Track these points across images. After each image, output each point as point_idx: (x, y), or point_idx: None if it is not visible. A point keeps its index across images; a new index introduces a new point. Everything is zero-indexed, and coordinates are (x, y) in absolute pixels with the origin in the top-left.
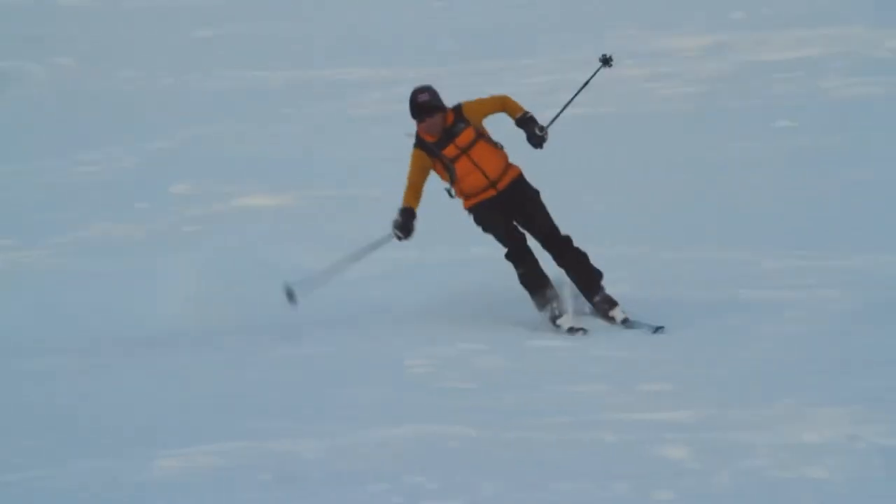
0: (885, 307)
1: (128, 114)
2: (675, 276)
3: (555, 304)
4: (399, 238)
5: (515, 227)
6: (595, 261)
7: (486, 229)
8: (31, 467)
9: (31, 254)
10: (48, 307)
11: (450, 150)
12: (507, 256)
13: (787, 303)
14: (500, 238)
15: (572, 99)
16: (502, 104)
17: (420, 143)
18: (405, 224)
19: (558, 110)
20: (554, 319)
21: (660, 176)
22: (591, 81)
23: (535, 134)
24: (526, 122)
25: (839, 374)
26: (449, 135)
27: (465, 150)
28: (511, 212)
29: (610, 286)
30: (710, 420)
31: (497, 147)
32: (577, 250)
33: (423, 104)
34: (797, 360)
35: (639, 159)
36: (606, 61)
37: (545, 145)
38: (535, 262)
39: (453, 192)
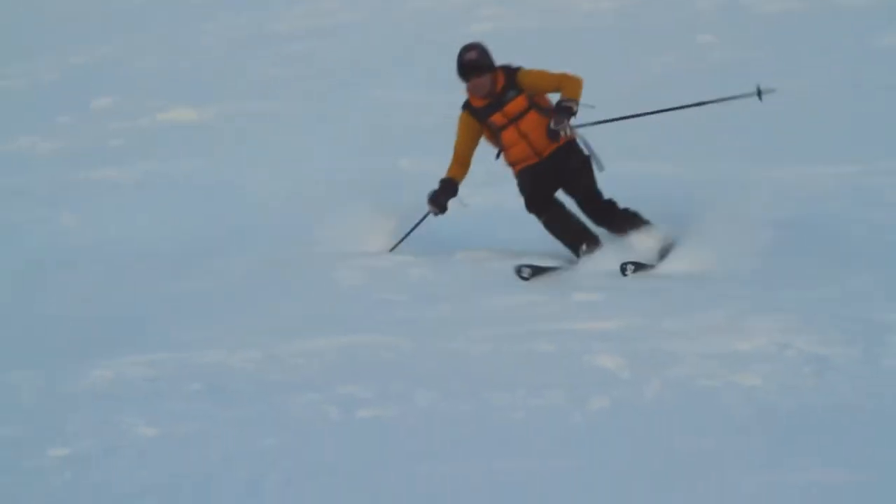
0: (813, 219)
1: (49, 28)
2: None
3: (586, 245)
4: (434, 213)
5: (545, 183)
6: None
7: (521, 192)
8: None
9: None
10: None
11: (497, 118)
12: (527, 207)
13: (716, 216)
14: (523, 190)
15: (684, 107)
16: (558, 84)
17: (467, 107)
18: (438, 199)
19: (647, 111)
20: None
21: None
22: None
23: (550, 128)
24: (559, 110)
25: (770, 284)
26: (499, 101)
27: (513, 120)
28: (554, 177)
29: None
30: (641, 330)
31: (550, 116)
32: (625, 211)
33: (470, 62)
34: (727, 272)
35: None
36: (759, 94)
37: (562, 137)
38: (560, 206)
39: (501, 157)
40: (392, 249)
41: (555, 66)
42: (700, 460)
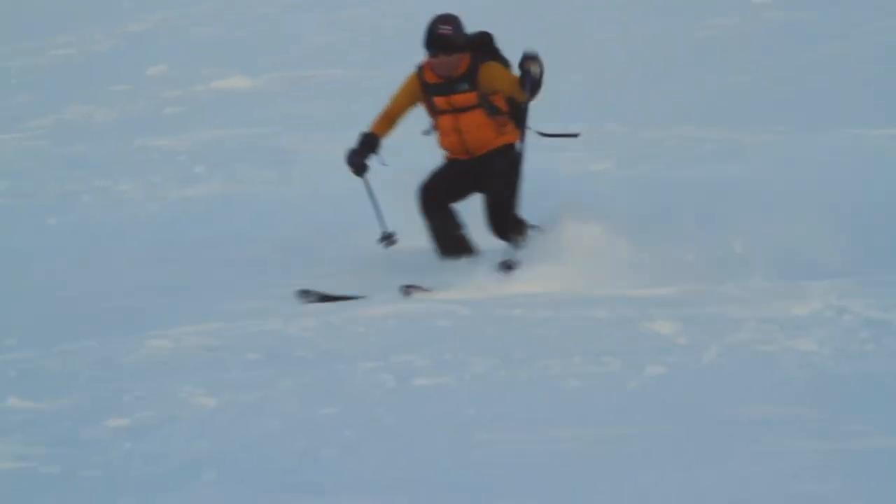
0: (868, 181)
1: None
2: (659, 152)
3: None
4: (355, 174)
5: (461, 183)
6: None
7: (426, 181)
8: (21, 348)
9: (8, 137)
10: (29, 191)
11: (440, 102)
12: (421, 200)
13: (770, 179)
14: (429, 181)
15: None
16: (512, 90)
17: (420, 74)
18: (355, 160)
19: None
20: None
21: (637, 52)
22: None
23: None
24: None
25: (826, 248)
26: (449, 86)
27: (455, 111)
28: (475, 180)
29: (585, 165)
30: (698, 295)
31: (497, 122)
32: (522, 223)
33: (443, 38)
34: (782, 237)
35: (616, 35)
36: (507, 267)
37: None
38: (452, 215)
39: (432, 135)
40: (385, 242)
41: (609, 25)
42: (756, 427)
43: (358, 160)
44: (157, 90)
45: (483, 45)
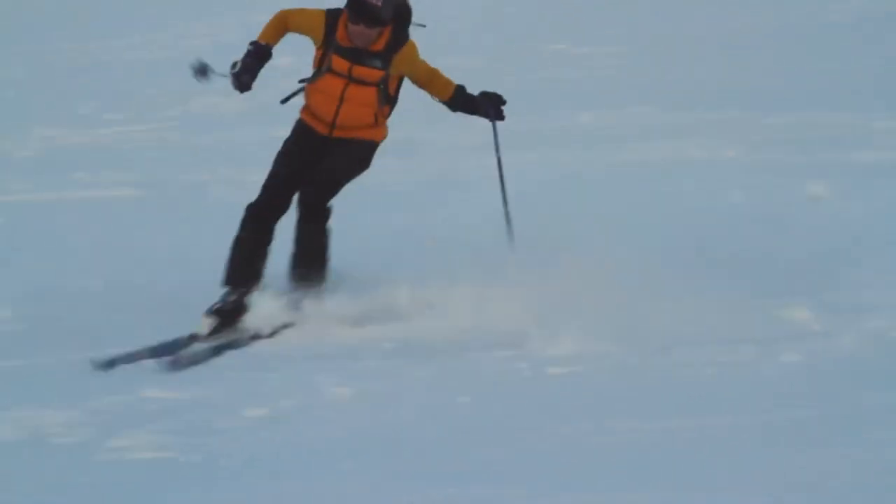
0: None
1: None
2: (786, 139)
3: (233, 298)
4: (239, 91)
5: (306, 163)
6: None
7: (281, 148)
8: (156, 338)
9: (138, 128)
10: (158, 182)
11: (340, 64)
12: (249, 206)
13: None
14: (272, 170)
15: None
16: (431, 76)
17: (329, 26)
18: (246, 78)
19: None
20: (214, 310)
21: (756, 41)
22: None
23: (487, 108)
24: (466, 102)
25: None
26: (358, 55)
27: (349, 79)
28: (317, 159)
29: (714, 151)
30: (833, 281)
31: (381, 112)
32: (323, 227)
33: (370, 9)
34: None
35: (728, 19)
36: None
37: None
38: (266, 236)
39: (303, 88)
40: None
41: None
42: (892, 414)
43: (249, 80)
44: (284, 81)
45: (401, 19)
